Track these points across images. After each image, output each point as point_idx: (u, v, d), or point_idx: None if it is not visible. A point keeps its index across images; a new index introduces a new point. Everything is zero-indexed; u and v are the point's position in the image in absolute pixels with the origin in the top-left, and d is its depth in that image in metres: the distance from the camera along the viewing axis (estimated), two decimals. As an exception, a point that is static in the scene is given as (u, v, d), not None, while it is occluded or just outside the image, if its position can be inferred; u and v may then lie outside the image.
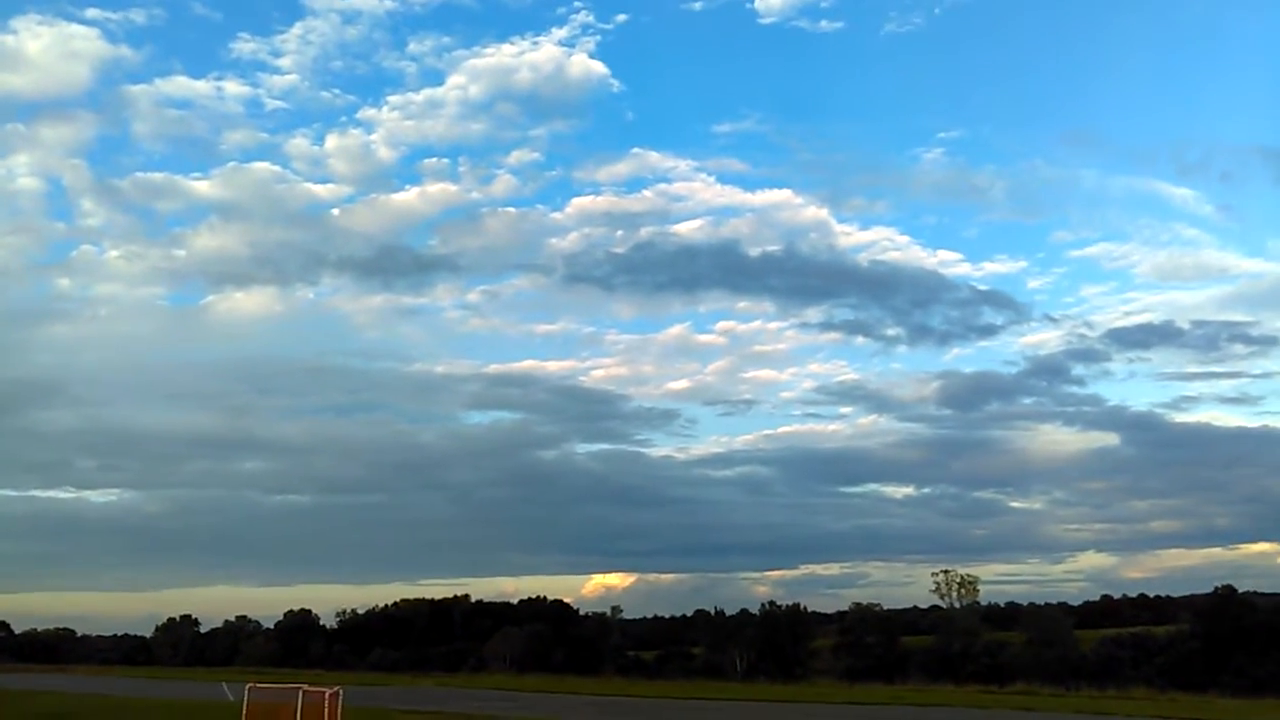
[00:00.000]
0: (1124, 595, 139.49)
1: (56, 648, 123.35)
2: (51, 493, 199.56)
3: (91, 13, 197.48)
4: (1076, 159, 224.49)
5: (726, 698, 51.04)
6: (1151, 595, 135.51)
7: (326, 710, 27.37)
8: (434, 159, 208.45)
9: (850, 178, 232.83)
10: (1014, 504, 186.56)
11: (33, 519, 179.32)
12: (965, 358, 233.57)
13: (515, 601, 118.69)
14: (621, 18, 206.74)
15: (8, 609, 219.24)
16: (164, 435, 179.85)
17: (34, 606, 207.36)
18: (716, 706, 43.71)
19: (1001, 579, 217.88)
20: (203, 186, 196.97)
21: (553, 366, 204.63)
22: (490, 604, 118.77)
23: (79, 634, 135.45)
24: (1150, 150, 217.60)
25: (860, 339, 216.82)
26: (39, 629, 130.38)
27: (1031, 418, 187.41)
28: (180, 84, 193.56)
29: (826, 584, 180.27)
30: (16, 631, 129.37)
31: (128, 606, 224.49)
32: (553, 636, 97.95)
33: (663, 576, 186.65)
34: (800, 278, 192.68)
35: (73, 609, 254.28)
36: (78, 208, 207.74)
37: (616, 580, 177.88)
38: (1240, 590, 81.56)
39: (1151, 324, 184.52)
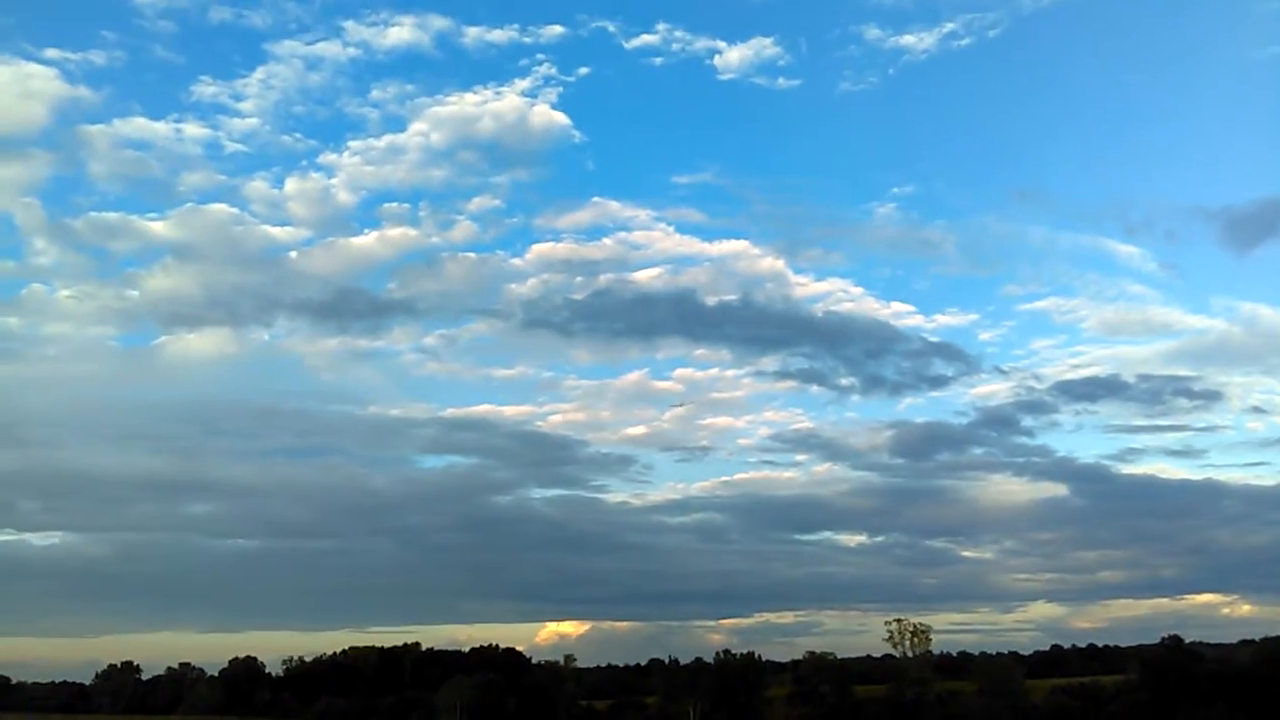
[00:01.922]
0: (1073, 645, 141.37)
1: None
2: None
3: (50, 53, 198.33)
4: (1026, 215, 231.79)
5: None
6: (1100, 645, 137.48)
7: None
8: (394, 204, 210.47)
9: (806, 230, 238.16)
10: (965, 553, 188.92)
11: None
12: (917, 407, 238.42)
13: (467, 649, 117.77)
14: (584, 70, 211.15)
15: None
16: (111, 477, 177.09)
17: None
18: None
19: (953, 628, 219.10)
20: (158, 227, 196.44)
21: (510, 411, 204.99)
22: (441, 652, 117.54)
23: (14, 681, 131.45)
24: (1097, 209, 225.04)
25: (815, 388, 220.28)
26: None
27: (982, 468, 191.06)
28: (139, 125, 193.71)
29: (781, 632, 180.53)
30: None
31: (66, 653, 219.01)
32: (505, 685, 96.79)
33: (618, 624, 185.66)
34: (756, 327, 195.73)
35: (8, 655, 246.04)
36: (29, 246, 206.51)
37: (570, 628, 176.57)
38: (1186, 640, 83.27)
39: (1099, 377, 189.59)
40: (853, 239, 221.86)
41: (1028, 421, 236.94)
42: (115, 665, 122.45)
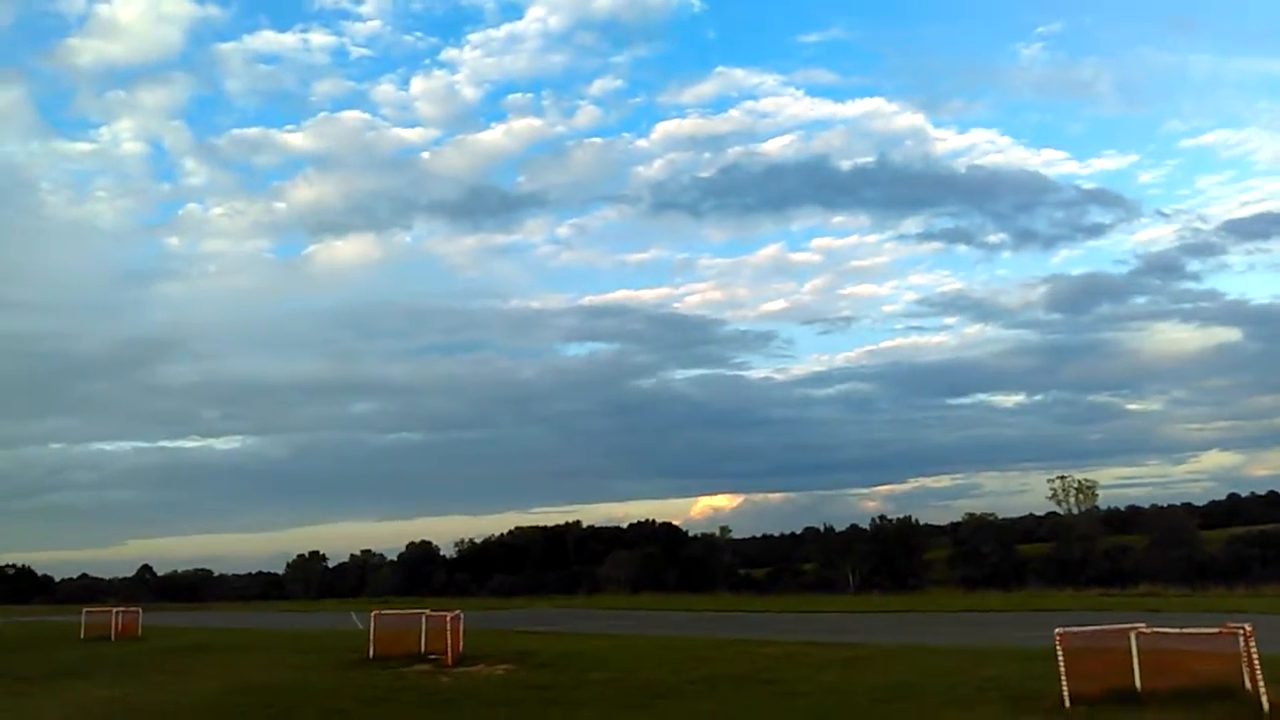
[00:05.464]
0: (1252, 493, 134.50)
1: (197, 587, 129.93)
2: (180, 442, 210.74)
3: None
4: (1186, 44, 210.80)
5: (842, 610, 51.00)
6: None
7: (449, 633, 28.14)
8: (517, 94, 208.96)
9: (946, 80, 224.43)
10: (1131, 406, 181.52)
11: (165, 468, 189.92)
12: (1073, 259, 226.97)
13: (625, 525, 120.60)
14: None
15: (150, 553, 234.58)
16: (279, 383, 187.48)
17: (173, 550, 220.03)
18: (835, 618, 43.65)
19: (1121, 483, 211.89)
20: (296, 139, 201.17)
21: (646, 295, 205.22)
22: (601, 529, 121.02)
23: (216, 574, 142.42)
24: (1265, 29, 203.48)
25: (962, 247, 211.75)
26: (179, 570, 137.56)
27: (1145, 317, 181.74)
28: (267, 38, 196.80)
29: (938, 496, 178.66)
30: (159, 573, 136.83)
31: (259, 546, 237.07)
32: (664, 558, 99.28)
33: (770, 496, 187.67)
34: (895, 188, 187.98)
35: (209, 550, 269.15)
36: (181, 168, 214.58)
37: (724, 501, 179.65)
38: (1379, 481, 77.79)
39: (1271, 213, 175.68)
40: (997, 86, 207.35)
41: (1194, 265, 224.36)
42: (303, 555, 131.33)
